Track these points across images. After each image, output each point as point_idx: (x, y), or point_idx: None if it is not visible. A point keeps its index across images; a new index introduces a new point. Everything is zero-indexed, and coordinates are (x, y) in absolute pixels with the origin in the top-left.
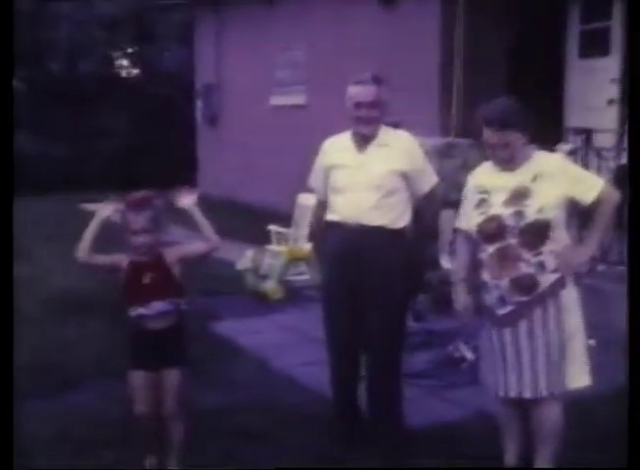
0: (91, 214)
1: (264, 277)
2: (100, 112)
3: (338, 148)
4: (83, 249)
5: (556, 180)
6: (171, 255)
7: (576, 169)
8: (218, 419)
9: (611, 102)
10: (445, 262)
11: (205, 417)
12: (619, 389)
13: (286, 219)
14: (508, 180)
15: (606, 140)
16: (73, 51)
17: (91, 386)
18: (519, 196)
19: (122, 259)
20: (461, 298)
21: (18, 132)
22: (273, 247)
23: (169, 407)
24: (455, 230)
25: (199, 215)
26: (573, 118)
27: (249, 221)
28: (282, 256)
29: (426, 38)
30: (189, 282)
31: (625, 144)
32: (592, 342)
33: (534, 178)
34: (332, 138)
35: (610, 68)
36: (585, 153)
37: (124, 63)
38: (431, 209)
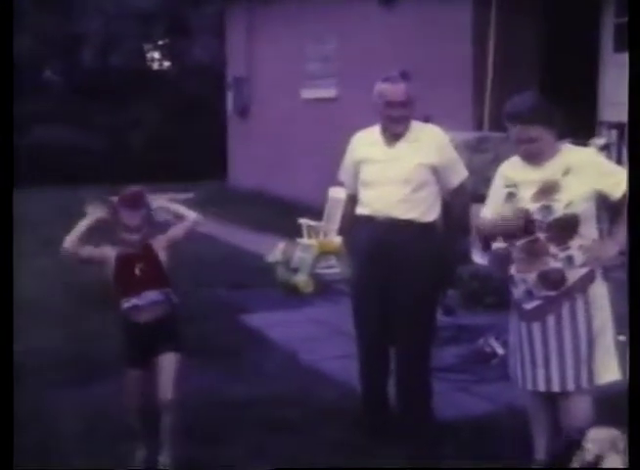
0: None
1: (295, 270)
2: (132, 104)
3: (367, 142)
4: (71, 241)
5: (585, 174)
6: (158, 244)
7: (606, 164)
8: (248, 411)
9: None
10: (476, 257)
11: (234, 409)
12: None
13: (317, 213)
14: (537, 174)
15: None
16: (106, 44)
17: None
18: (548, 190)
19: (109, 252)
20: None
21: (51, 125)
22: (304, 240)
23: (166, 394)
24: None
25: (170, 204)
26: (607, 113)
27: (279, 214)
28: (312, 249)
29: (458, 31)
30: (220, 275)
31: None
32: (623, 338)
33: (565, 172)
34: (361, 132)
35: None
36: (619, 147)
37: (156, 55)
38: (460, 203)
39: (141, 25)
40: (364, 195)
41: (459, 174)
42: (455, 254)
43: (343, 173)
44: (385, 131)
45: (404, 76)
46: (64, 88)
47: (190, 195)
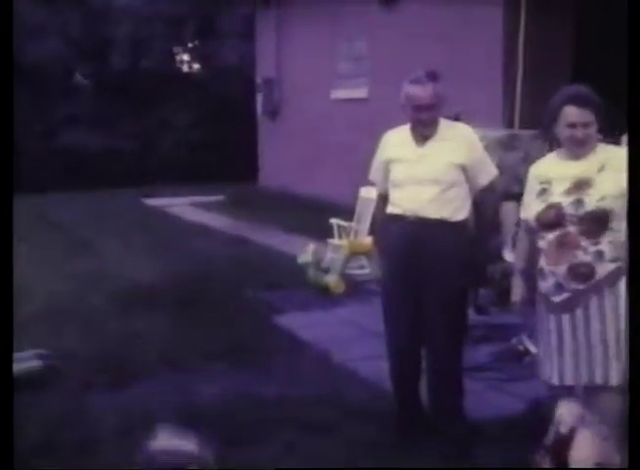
0: (152, 209)
1: (326, 271)
2: (162, 107)
3: (397, 142)
4: None
5: (619, 172)
6: None
7: None
8: (280, 411)
9: None
10: (508, 256)
11: (266, 409)
12: None
13: (348, 213)
14: (572, 169)
15: None
16: (136, 47)
17: (155, 378)
18: (581, 185)
19: None
20: (518, 290)
21: (82, 129)
22: (335, 240)
23: None
24: (518, 222)
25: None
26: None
27: (310, 215)
28: (343, 249)
29: (489, 29)
30: (251, 276)
31: None
32: None
33: (599, 169)
34: (391, 132)
35: None
36: None
37: (185, 58)
38: (490, 201)
39: (170, 28)
40: (394, 194)
41: (489, 173)
42: (486, 252)
43: (374, 173)
44: (414, 131)
45: (431, 77)
46: (94, 92)
47: (220, 197)
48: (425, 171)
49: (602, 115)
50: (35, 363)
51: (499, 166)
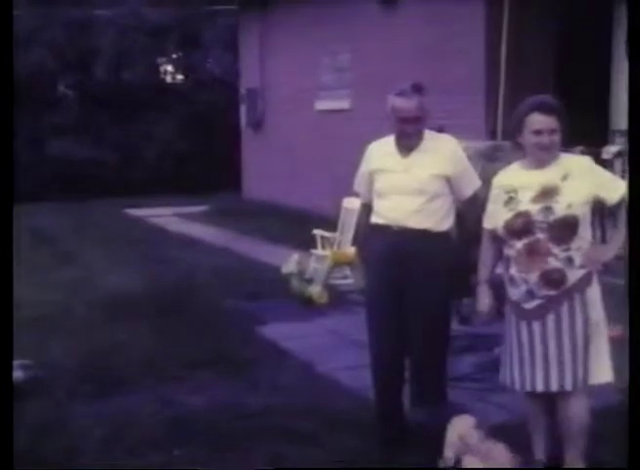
0: (136, 219)
1: (309, 281)
2: (145, 118)
3: (382, 152)
4: None
5: (583, 180)
6: None
7: (602, 171)
8: (264, 421)
9: None
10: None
11: (250, 419)
12: None
13: (331, 223)
14: (537, 178)
15: None
16: (119, 58)
17: (140, 388)
18: (548, 193)
19: None
20: (484, 300)
21: (65, 138)
22: (318, 251)
23: None
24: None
25: None
26: (621, 121)
27: (293, 225)
28: (326, 260)
29: (471, 41)
30: (234, 286)
31: None
32: None
33: (563, 178)
34: (376, 142)
35: None
36: None
37: (169, 69)
38: (474, 212)
39: (154, 39)
40: (378, 205)
41: (472, 184)
42: (469, 263)
43: (358, 183)
44: (399, 142)
45: (417, 89)
46: (77, 102)
47: (204, 208)
48: (409, 182)
49: (565, 124)
50: (19, 374)
51: (482, 177)
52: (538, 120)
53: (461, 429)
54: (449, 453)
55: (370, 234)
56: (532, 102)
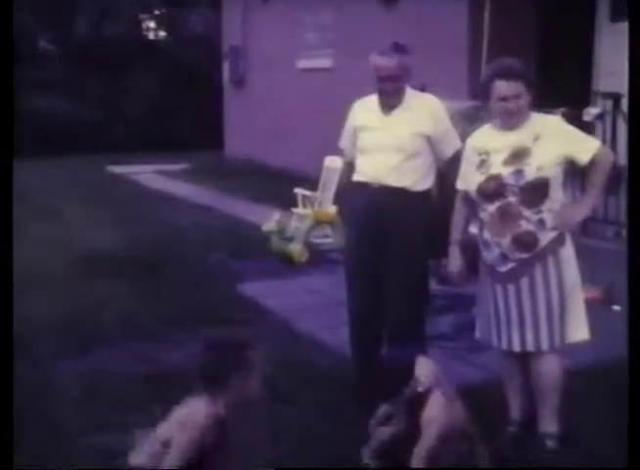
0: (118, 176)
1: (290, 240)
2: (127, 74)
3: (365, 110)
4: None
5: (554, 140)
6: None
7: (574, 130)
8: None
9: None
10: (471, 227)
11: None
12: None
13: (312, 182)
14: (508, 140)
15: None
16: (102, 14)
17: (121, 345)
18: (519, 155)
19: None
20: (456, 261)
21: (46, 95)
22: (299, 210)
23: None
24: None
25: None
26: (603, 82)
27: (275, 184)
28: (307, 218)
29: (456, 3)
30: (215, 244)
31: None
32: (617, 308)
33: (535, 139)
34: (360, 100)
35: None
36: (614, 117)
37: (152, 25)
38: (454, 172)
39: None
40: (360, 162)
41: (453, 144)
42: (449, 222)
43: (343, 140)
44: (381, 100)
45: (398, 48)
46: (59, 58)
47: (186, 165)
48: (389, 139)
49: (533, 85)
50: None
51: (463, 138)
52: (503, 87)
53: (433, 367)
54: (423, 380)
55: (351, 192)
56: (496, 68)
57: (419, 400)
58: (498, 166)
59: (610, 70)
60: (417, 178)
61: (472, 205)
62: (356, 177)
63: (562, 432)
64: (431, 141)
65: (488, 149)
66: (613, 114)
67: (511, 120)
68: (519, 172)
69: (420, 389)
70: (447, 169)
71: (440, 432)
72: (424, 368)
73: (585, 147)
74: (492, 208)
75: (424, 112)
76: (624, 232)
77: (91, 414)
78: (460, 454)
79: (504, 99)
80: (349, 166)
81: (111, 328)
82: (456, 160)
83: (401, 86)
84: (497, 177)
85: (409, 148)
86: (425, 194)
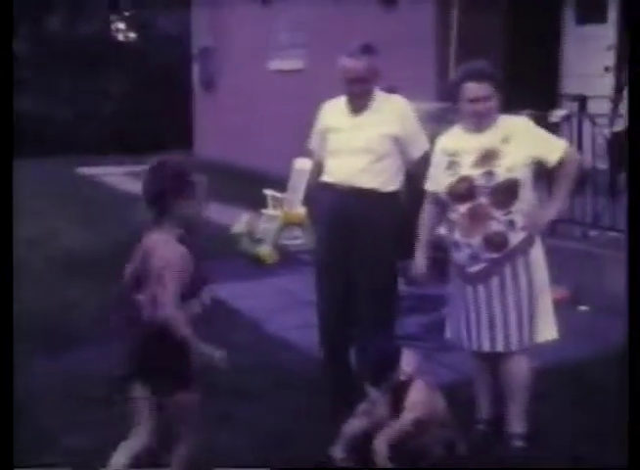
0: (87, 177)
1: (259, 241)
2: (98, 75)
3: (334, 111)
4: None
5: (523, 141)
6: None
7: (541, 132)
8: (214, 380)
9: (607, 69)
10: (439, 228)
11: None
12: (614, 351)
13: (283, 184)
14: (477, 142)
15: (600, 107)
16: (73, 14)
17: (93, 344)
18: (488, 157)
19: None
20: (422, 261)
21: (16, 94)
22: (268, 211)
23: None
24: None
25: None
26: (569, 85)
27: (245, 185)
28: (277, 220)
29: (423, 4)
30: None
31: (620, 111)
32: (584, 308)
33: (503, 140)
34: (330, 101)
35: (606, 35)
36: (579, 119)
37: (122, 26)
38: (422, 174)
39: None
40: (329, 163)
41: (421, 146)
42: (417, 224)
43: (313, 141)
44: (349, 101)
45: (367, 49)
46: (29, 57)
47: None
48: (358, 141)
49: (501, 88)
50: None
51: (432, 139)
52: (474, 88)
53: (417, 358)
54: (407, 369)
55: (319, 193)
56: (466, 70)
57: (402, 389)
58: (468, 168)
59: (576, 72)
60: (385, 179)
61: (441, 206)
62: (325, 178)
63: (530, 431)
64: (399, 143)
65: (458, 150)
66: (578, 115)
67: (480, 122)
68: (489, 174)
69: (403, 377)
70: (416, 171)
71: (419, 418)
72: (407, 358)
73: (553, 148)
74: (463, 209)
75: (392, 113)
76: (591, 233)
77: (66, 414)
78: (439, 442)
79: (474, 100)
80: (319, 167)
81: (82, 328)
82: (424, 161)
83: (370, 88)
84: (467, 179)
85: (377, 149)
86: (393, 195)
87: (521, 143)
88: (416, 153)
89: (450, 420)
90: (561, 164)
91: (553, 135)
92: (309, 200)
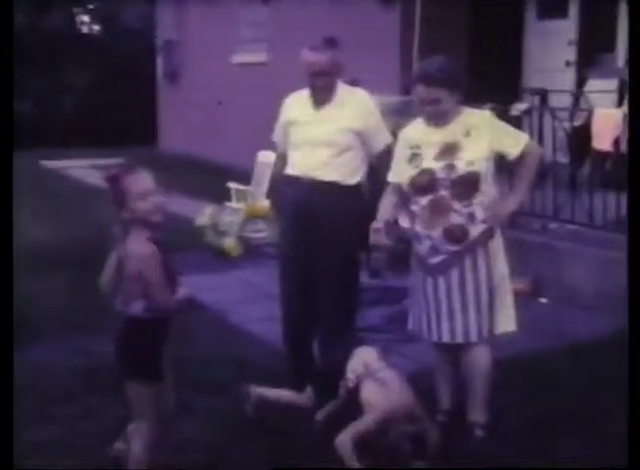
0: (50, 171)
1: (223, 234)
2: (61, 68)
3: (297, 104)
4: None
5: (485, 135)
6: None
7: (503, 125)
8: (177, 371)
9: (568, 64)
10: (402, 221)
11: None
12: (574, 343)
13: (245, 177)
14: (439, 135)
15: (561, 101)
16: (36, 7)
17: (56, 339)
18: (450, 150)
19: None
20: (380, 235)
21: None
22: (232, 204)
23: None
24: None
25: None
26: (530, 79)
27: (209, 178)
28: (240, 212)
29: None
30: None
31: (581, 105)
32: (544, 300)
33: (465, 134)
34: (293, 95)
35: (567, 30)
36: (540, 113)
37: (86, 19)
38: (384, 167)
39: None
40: (291, 156)
41: (383, 139)
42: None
43: (276, 134)
44: (312, 95)
45: (330, 43)
46: None
47: (120, 160)
48: (320, 134)
49: (461, 85)
50: None
51: (394, 133)
52: (421, 91)
53: (366, 357)
54: (351, 376)
55: (283, 185)
56: (417, 73)
57: (354, 395)
58: (430, 161)
59: (537, 66)
60: (348, 172)
61: (401, 196)
62: (288, 171)
63: (490, 421)
64: (361, 136)
65: (420, 143)
66: (539, 109)
67: (435, 122)
68: (450, 167)
69: (350, 385)
70: (378, 164)
71: (381, 417)
72: (352, 363)
73: (515, 141)
74: (424, 201)
75: (355, 107)
76: (551, 225)
77: (25, 406)
78: (406, 437)
79: (422, 103)
80: (282, 160)
81: (45, 322)
82: (387, 154)
83: (333, 82)
84: (429, 171)
85: (340, 143)
86: (355, 188)
87: (482, 136)
88: (378, 146)
89: (420, 413)
90: (522, 157)
91: (515, 129)
92: (273, 193)
